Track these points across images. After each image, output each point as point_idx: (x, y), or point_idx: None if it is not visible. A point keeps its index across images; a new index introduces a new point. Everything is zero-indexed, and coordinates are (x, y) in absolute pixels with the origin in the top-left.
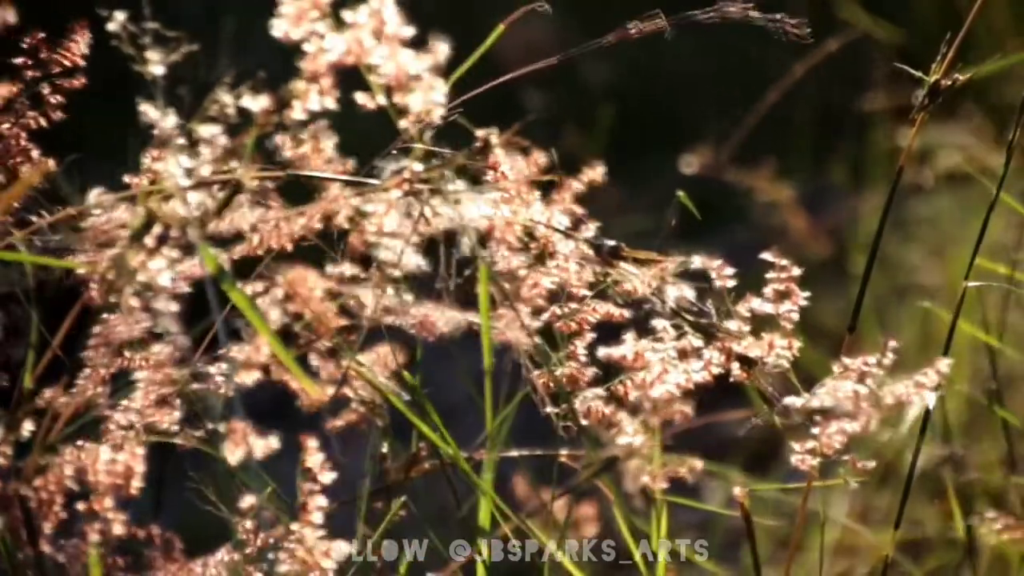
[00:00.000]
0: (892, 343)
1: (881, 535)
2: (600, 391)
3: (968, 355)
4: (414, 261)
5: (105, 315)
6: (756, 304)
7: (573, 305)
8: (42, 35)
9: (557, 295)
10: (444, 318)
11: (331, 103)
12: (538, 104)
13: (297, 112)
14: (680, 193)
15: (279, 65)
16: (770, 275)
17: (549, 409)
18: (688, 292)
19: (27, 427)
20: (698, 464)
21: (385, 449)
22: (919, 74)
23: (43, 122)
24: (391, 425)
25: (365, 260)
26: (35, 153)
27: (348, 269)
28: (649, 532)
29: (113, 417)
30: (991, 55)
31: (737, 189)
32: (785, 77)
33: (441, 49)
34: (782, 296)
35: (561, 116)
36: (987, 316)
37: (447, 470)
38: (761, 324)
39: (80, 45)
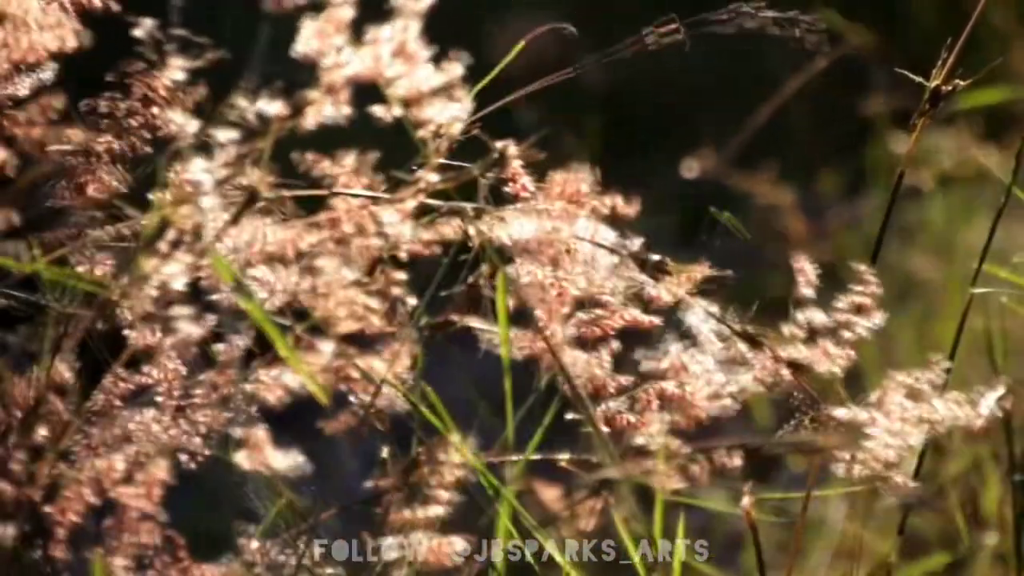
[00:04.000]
0: (943, 361)
1: (881, 539)
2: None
3: (965, 360)
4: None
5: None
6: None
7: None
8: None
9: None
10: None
11: (345, 112)
12: (534, 109)
13: (310, 120)
14: (714, 210)
15: (308, 78)
16: (855, 287)
17: (571, 415)
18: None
19: (41, 432)
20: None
21: (385, 454)
22: (919, 79)
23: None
24: (392, 430)
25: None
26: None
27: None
28: (649, 534)
29: (131, 428)
30: (994, 59)
31: (736, 193)
32: (785, 81)
33: (456, 69)
34: (859, 310)
35: (557, 119)
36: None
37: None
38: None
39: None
